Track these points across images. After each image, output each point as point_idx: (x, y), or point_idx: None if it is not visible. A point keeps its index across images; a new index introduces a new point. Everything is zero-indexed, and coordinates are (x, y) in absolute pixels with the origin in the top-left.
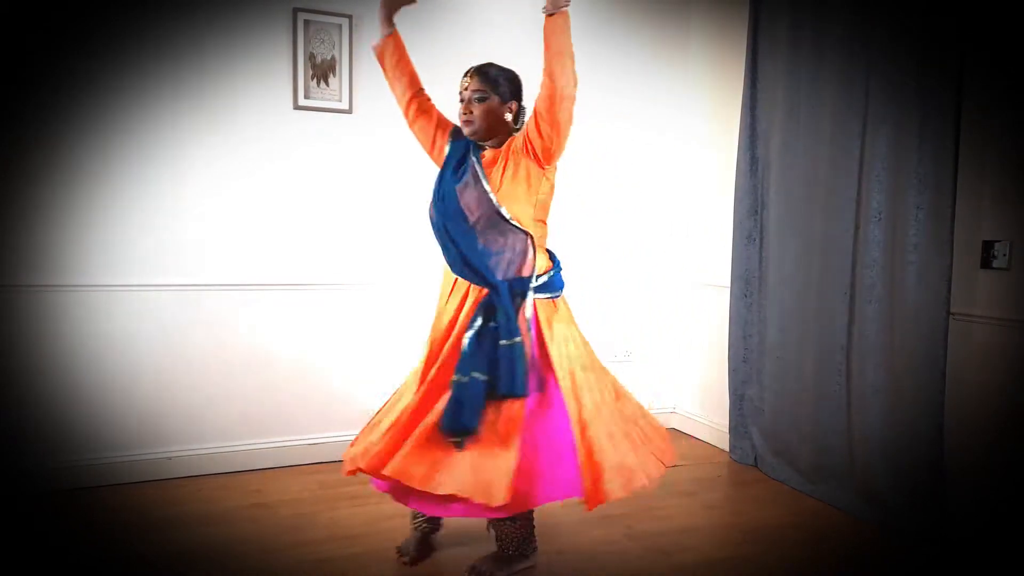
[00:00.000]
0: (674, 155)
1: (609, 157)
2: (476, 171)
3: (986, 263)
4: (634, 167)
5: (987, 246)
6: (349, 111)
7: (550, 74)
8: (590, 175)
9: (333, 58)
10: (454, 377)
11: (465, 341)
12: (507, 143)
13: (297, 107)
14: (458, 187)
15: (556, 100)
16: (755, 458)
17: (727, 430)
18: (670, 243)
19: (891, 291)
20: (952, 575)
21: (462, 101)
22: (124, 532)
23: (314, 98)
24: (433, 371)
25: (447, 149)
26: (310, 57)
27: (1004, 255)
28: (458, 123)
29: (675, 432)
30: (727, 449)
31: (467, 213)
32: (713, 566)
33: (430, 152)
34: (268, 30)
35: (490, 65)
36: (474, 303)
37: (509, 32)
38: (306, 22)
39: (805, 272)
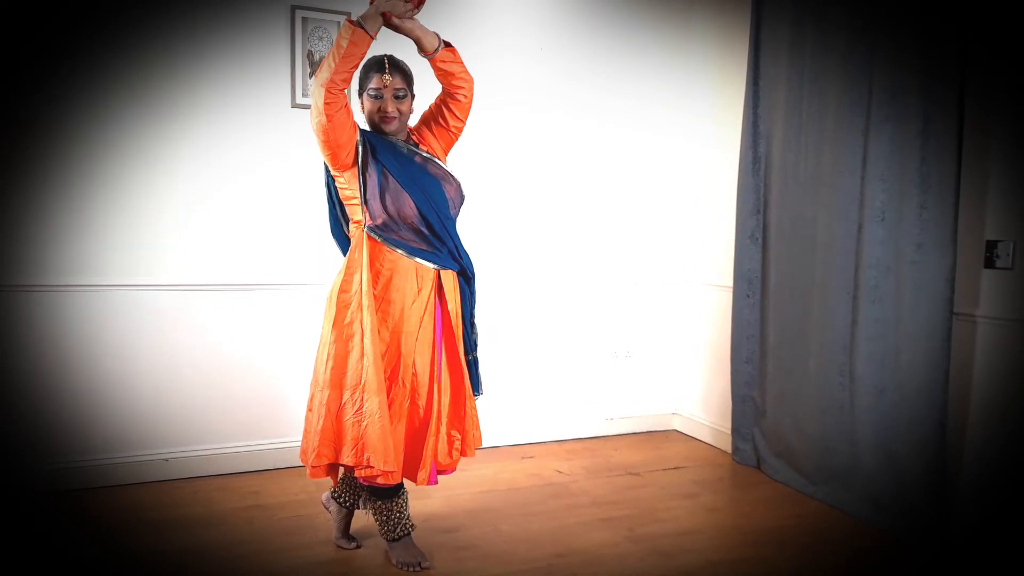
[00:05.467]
0: (676, 154)
1: (610, 156)
2: (438, 164)
3: (989, 263)
4: (635, 166)
5: (990, 246)
6: None
7: (465, 92)
8: (591, 174)
9: None
10: (471, 356)
11: (469, 325)
12: (408, 132)
13: (295, 105)
14: (441, 179)
15: (471, 102)
16: (757, 460)
17: (729, 431)
18: (672, 242)
19: (894, 291)
20: (952, 574)
21: (378, 97)
22: (122, 533)
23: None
24: (442, 366)
25: (372, 145)
26: (308, 55)
27: (1007, 255)
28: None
29: (677, 434)
30: (729, 451)
31: (450, 204)
32: (715, 568)
33: (340, 144)
34: (266, 28)
35: (400, 60)
36: (433, 290)
37: (509, 32)
38: (304, 19)
39: (808, 272)
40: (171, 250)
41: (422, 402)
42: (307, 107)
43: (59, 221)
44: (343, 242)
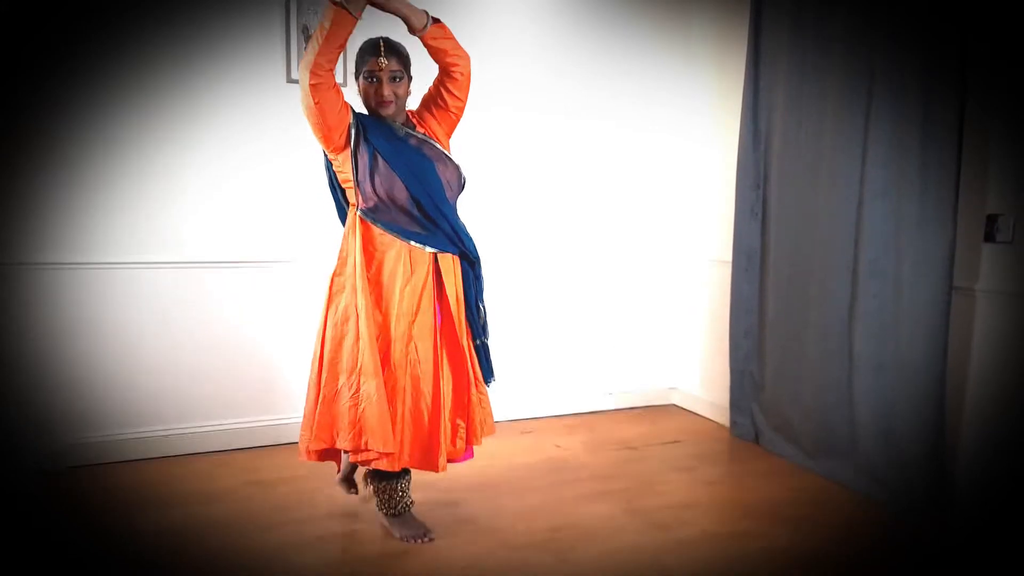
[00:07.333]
0: (676, 129)
1: (610, 132)
2: (434, 146)
3: (989, 237)
4: (635, 142)
5: (990, 220)
6: (343, 84)
7: (461, 69)
8: (590, 151)
9: None
10: (478, 341)
11: (474, 310)
12: (408, 116)
13: (291, 80)
14: (436, 161)
15: (469, 80)
16: (755, 434)
17: (727, 406)
18: (672, 218)
19: (894, 265)
20: (952, 549)
21: (375, 80)
22: (121, 510)
23: None
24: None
25: (364, 127)
26: (303, 29)
27: (1008, 228)
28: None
29: (675, 408)
30: (727, 425)
31: (446, 187)
32: (713, 540)
33: (330, 126)
34: (260, 2)
35: (397, 43)
36: (430, 275)
37: (509, 30)
38: None
39: (808, 246)
40: (167, 227)
41: (428, 388)
42: None
43: (58, 199)
44: (340, 211)
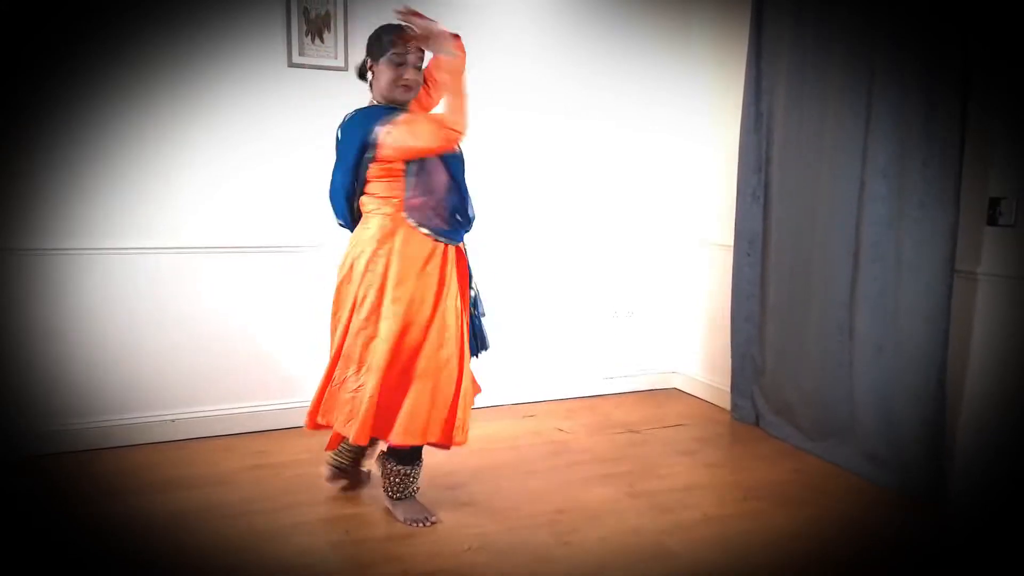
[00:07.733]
0: (677, 112)
1: (610, 116)
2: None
3: (992, 220)
4: (636, 125)
5: (993, 203)
6: (345, 68)
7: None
8: (591, 135)
9: (328, 13)
10: (475, 312)
11: (475, 291)
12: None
13: (292, 64)
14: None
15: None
16: (756, 417)
17: (728, 389)
18: (673, 201)
19: (895, 248)
20: (951, 532)
21: (400, 65)
22: (128, 494)
23: (309, 55)
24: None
25: None
26: (304, 12)
27: (1010, 212)
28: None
29: (676, 392)
30: (728, 408)
31: (464, 170)
32: (714, 523)
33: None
34: None
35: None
36: (454, 263)
37: (509, 30)
38: None
39: (809, 229)
40: (170, 213)
41: (454, 367)
42: (303, 67)
43: (60, 185)
44: (347, 215)
